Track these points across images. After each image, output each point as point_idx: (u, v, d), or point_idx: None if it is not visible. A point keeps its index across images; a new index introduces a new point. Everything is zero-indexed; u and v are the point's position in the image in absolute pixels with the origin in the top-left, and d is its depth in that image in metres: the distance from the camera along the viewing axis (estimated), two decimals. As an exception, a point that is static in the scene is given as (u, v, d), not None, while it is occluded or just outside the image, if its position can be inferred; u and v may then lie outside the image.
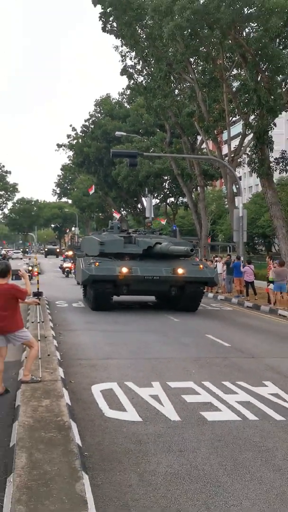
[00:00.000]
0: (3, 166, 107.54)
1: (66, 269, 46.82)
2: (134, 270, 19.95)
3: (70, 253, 54.49)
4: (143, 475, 6.53)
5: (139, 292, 22.61)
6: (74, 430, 7.31)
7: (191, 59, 32.25)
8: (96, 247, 22.11)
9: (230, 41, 27.28)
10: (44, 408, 8.23)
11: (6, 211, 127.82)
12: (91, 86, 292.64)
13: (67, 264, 47.02)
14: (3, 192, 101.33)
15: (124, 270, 19.74)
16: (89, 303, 23.16)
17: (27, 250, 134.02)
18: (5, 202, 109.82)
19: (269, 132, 28.76)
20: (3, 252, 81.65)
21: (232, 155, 34.30)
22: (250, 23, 26.42)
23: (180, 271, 20.14)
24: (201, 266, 22.13)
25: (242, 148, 34.31)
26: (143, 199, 59.03)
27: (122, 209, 70.00)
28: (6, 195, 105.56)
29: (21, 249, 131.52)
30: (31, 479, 5.73)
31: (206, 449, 7.37)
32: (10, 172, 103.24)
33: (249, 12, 24.91)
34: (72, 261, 45.58)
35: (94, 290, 21.08)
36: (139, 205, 65.08)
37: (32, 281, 22.88)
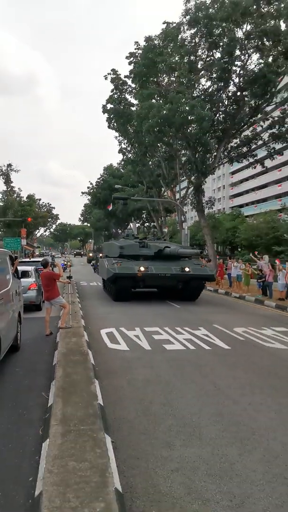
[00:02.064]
0: (50, 204, 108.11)
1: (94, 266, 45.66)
2: (150, 268, 15.77)
3: (91, 254, 53.80)
4: (129, 381, 6.53)
5: (152, 286, 17.76)
6: (90, 355, 7.29)
7: (158, 144, 32.27)
8: (117, 250, 17.59)
9: (180, 135, 27.28)
10: (73, 343, 8.21)
11: (52, 230, 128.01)
12: (100, 159, 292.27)
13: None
14: (50, 219, 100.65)
15: (142, 268, 15.59)
16: (111, 295, 18.06)
17: (64, 252, 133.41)
18: (51, 225, 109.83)
19: (202, 186, 28.92)
20: (51, 254, 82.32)
21: (181, 199, 34.42)
22: (192, 124, 26.46)
23: (186, 269, 16.00)
24: (203, 265, 17.75)
25: (187, 195, 34.42)
26: (131, 224, 59.16)
27: (118, 229, 69.62)
28: (51, 221, 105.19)
29: (60, 252, 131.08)
30: (65, 383, 5.71)
31: (165, 366, 7.38)
32: (54, 207, 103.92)
33: (191, 118, 24.95)
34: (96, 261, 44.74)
35: (116, 285, 16.33)
36: (128, 227, 65.21)
37: (66, 270, 22.81)
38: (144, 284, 16.42)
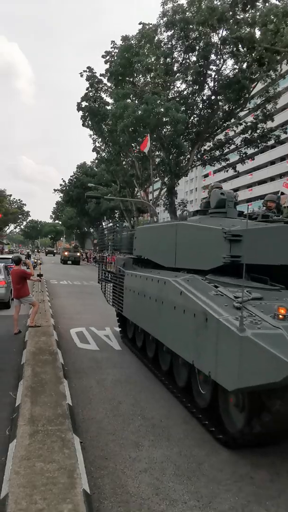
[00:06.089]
0: (22, 201, 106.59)
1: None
2: None
3: (66, 253, 50.29)
4: (99, 381, 6.50)
5: None
6: (59, 355, 7.19)
7: (133, 144, 32.24)
8: (219, 245, 4.44)
9: (154, 136, 27.36)
10: (42, 342, 8.07)
11: (22, 227, 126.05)
12: (74, 157, 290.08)
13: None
14: (21, 216, 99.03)
15: None
16: (231, 428, 4.31)
17: (34, 250, 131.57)
18: (22, 222, 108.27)
19: (175, 188, 29.13)
20: (26, 251, 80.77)
21: (154, 200, 34.52)
22: (166, 126, 26.61)
23: None
24: None
25: (160, 196, 34.56)
26: (103, 223, 58.88)
27: (90, 228, 68.89)
28: (22, 218, 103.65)
29: (31, 250, 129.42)
30: (33, 382, 5.61)
31: (135, 366, 7.40)
32: (25, 204, 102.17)
33: (165, 120, 25.11)
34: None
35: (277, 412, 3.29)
36: (100, 227, 64.92)
37: (36, 268, 22.45)
38: None
